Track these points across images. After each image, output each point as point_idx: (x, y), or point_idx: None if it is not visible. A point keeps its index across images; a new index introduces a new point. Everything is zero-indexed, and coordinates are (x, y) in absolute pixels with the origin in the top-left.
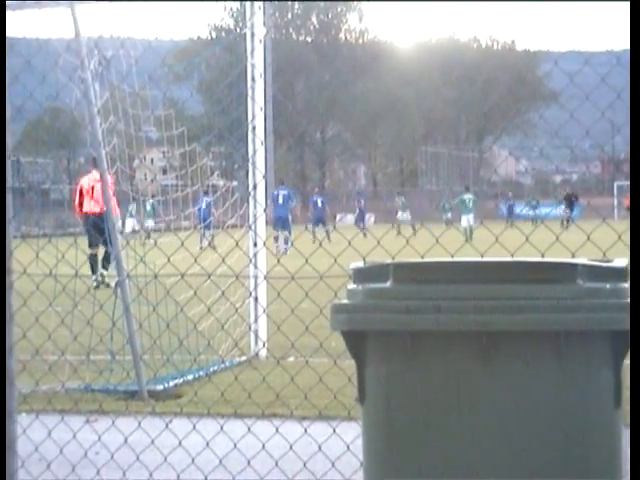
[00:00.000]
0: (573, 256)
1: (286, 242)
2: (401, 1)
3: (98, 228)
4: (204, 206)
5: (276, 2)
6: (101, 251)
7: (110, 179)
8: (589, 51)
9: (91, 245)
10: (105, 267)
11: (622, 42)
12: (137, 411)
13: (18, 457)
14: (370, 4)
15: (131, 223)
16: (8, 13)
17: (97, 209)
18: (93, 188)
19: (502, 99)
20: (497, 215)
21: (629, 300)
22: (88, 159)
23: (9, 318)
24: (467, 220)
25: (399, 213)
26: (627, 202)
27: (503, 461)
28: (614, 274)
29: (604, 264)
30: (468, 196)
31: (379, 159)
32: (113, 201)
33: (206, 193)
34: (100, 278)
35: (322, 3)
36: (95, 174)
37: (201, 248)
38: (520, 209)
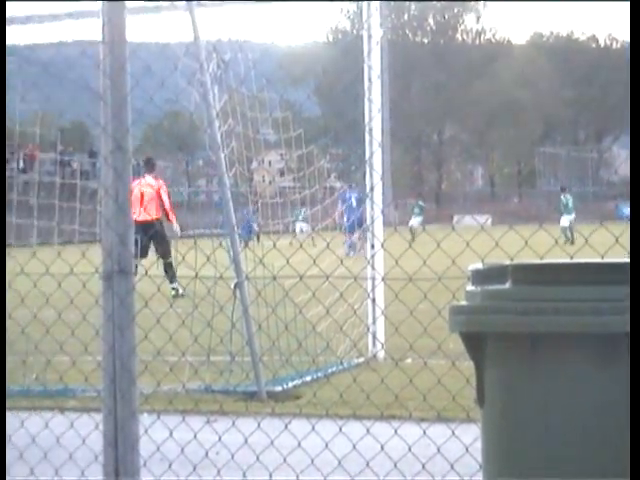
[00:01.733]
0: None
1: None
2: (518, 0)
3: (150, 236)
4: (354, 204)
5: (392, 3)
6: (158, 261)
7: (163, 185)
8: None
9: (135, 255)
10: (171, 279)
11: None
12: (256, 412)
13: (140, 457)
14: (487, 4)
15: (299, 226)
16: (128, 17)
17: (150, 217)
18: (143, 195)
19: (621, 98)
20: (616, 216)
21: None
22: (209, 161)
23: (131, 319)
24: (568, 221)
25: (412, 220)
26: None
27: (621, 464)
28: None
29: None
30: (566, 197)
31: (496, 160)
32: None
33: (350, 186)
34: (173, 291)
35: (439, 4)
36: (148, 179)
37: (347, 254)
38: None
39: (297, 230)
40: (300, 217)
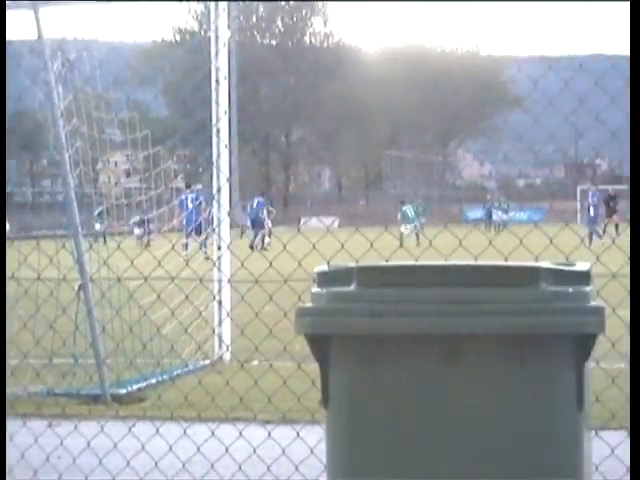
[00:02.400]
0: (536, 260)
1: (204, 245)
2: (366, 1)
3: None
4: (190, 205)
5: (240, 4)
6: None
7: None
8: (553, 56)
9: None
10: None
11: (585, 47)
12: (100, 415)
13: None
14: (335, 7)
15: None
16: None
17: None
18: None
19: (466, 103)
20: (461, 219)
21: (592, 303)
22: (53, 160)
23: None
24: (405, 228)
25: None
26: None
27: (467, 463)
28: (577, 277)
29: (567, 268)
30: (403, 208)
31: (344, 163)
32: None
33: (188, 186)
34: None
35: (287, 6)
36: None
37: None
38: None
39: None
40: (133, 220)
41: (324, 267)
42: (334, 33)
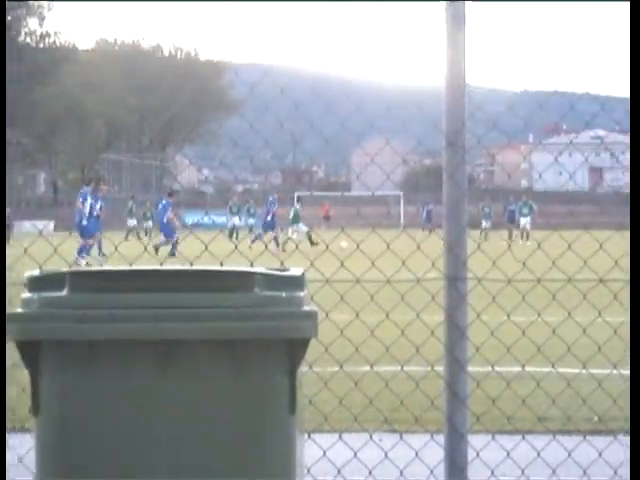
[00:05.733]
0: (252, 265)
1: (99, 249)
2: (82, 1)
3: None
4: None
5: None
6: None
7: None
8: (268, 63)
9: None
10: None
11: (302, 55)
12: None
13: None
14: (52, 7)
15: None
16: None
17: None
18: None
19: (185, 108)
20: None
21: (305, 308)
22: None
23: None
24: (294, 231)
25: None
26: (324, 211)
27: (182, 465)
28: (291, 283)
29: (281, 273)
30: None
31: (60, 166)
32: None
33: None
34: None
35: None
36: None
37: None
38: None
39: None
40: None
41: (36, 271)
42: (51, 33)
